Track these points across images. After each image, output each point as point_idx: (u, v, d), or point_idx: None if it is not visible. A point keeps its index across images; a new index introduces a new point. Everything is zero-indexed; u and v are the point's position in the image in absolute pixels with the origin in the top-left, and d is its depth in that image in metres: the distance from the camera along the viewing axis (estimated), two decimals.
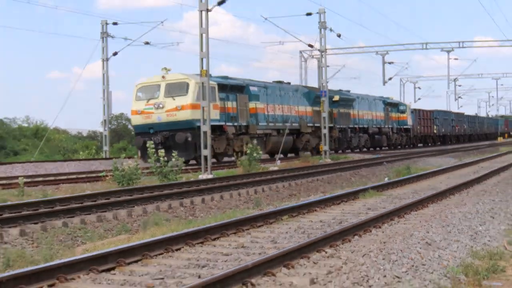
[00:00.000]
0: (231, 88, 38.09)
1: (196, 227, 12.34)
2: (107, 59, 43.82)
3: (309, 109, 47.31)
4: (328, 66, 46.12)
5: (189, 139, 33.13)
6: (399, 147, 66.67)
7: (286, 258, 9.29)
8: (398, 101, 67.89)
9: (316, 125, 46.98)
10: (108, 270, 9.23)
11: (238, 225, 12.74)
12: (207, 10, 28.81)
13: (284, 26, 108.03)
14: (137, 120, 34.68)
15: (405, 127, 67.89)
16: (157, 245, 10.45)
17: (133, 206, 17.78)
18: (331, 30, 44.46)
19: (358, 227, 12.15)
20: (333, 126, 49.70)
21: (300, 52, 62.77)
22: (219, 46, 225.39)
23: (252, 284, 8.19)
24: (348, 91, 56.80)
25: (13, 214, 15.55)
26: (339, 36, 47.12)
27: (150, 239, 11.05)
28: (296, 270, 9.01)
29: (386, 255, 9.68)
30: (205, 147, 28.79)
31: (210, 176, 27.14)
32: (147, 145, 26.37)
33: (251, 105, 39.86)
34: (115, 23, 44.61)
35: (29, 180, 24.61)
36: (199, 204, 19.24)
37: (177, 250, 10.68)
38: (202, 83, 29.31)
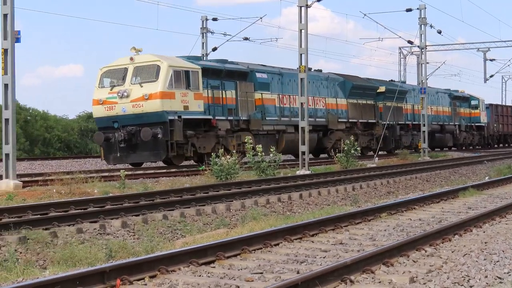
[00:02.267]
0: (228, 74, 31.43)
1: (295, 223, 12.39)
2: (207, 54, 44.26)
3: (343, 101, 40.07)
4: (427, 62, 45.50)
5: (159, 135, 26.94)
6: (471, 147, 58.24)
7: (385, 255, 9.22)
8: (469, 95, 59.83)
9: (351, 120, 40.35)
10: (208, 263, 9.35)
11: (336, 222, 12.71)
12: (307, 6, 28.80)
13: (383, 22, 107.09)
14: (98, 111, 28.24)
15: (477, 124, 59.57)
16: (255, 239, 10.53)
17: (232, 201, 17.93)
18: (431, 26, 43.84)
19: (458, 226, 11.96)
20: (375, 121, 43.09)
21: (399, 48, 62.17)
22: (317, 42, 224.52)
23: (351, 281, 8.16)
24: (404, 82, 51.89)
25: (115, 206, 15.95)
26: (439, 32, 46.20)
27: (248, 233, 11.15)
28: (395, 268, 8.94)
29: (488, 256, 9.52)
30: (303, 143, 28.80)
31: (307, 172, 27.17)
32: (245, 140, 26.24)
33: (257, 95, 32.71)
34: (214, 19, 45.04)
35: (130, 173, 25.10)
36: (296, 200, 19.28)
37: (275, 245, 10.72)
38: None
